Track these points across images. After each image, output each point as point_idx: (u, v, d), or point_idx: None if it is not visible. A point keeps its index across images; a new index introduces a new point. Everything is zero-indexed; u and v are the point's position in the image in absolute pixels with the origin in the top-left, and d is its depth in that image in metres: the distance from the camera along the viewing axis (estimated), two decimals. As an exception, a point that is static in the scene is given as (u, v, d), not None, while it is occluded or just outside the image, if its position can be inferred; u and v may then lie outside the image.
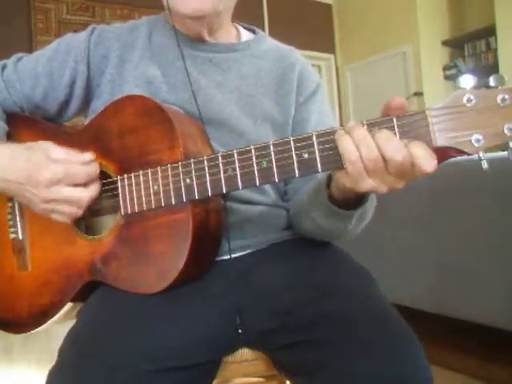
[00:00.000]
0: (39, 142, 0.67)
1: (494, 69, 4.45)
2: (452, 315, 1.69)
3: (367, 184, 0.50)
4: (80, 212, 0.66)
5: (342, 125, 0.51)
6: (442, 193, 1.68)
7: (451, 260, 1.68)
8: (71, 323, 0.68)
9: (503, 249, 1.51)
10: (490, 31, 4.54)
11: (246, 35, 0.86)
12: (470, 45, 4.90)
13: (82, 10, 3.81)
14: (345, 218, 0.64)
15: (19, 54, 0.82)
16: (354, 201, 0.61)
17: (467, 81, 0.48)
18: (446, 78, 4.93)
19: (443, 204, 1.69)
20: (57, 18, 3.70)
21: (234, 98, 0.78)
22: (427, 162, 0.47)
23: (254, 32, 0.88)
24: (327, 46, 5.42)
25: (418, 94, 4.68)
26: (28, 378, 1.77)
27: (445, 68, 4.96)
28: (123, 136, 0.68)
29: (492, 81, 0.47)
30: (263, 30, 0.90)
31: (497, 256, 1.53)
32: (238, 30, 0.86)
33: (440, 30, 4.93)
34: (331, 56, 5.49)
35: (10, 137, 0.77)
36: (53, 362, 0.61)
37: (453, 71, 4.91)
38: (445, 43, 4.96)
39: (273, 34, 0.90)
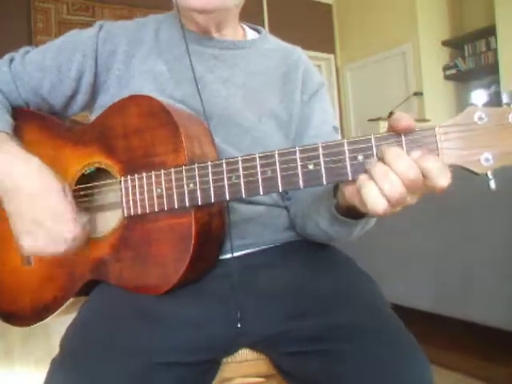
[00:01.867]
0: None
1: (494, 69, 4.43)
2: (452, 315, 1.69)
3: (382, 206, 0.48)
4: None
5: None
6: (443, 193, 1.68)
7: (451, 260, 1.68)
8: (71, 319, 0.68)
9: (503, 249, 1.51)
10: (490, 31, 4.55)
11: (251, 34, 0.87)
12: (469, 45, 4.90)
13: (82, 10, 3.82)
14: (351, 226, 0.64)
15: (27, 48, 0.82)
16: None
17: (479, 96, 0.47)
18: (446, 78, 4.93)
19: (443, 204, 1.69)
20: (57, 18, 3.71)
21: (240, 94, 0.78)
22: (442, 175, 0.46)
23: (258, 32, 0.89)
24: (327, 46, 5.43)
25: (418, 93, 4.66)
26: (28, 379, 1.76)
27: (445, 68, 4.97)
28: (128, 136, 0.67)
29: (505, 98, 0.46)
30: (263, 30, 0.90)
31: (497, 256, 1.53)
32: (244, 29, 0.88)
33: (440, 30, 4.93)
34: (331, 56, 5.49)
35: (15, 132, 0.76)
36: (52, 363, 0.61)
37: (453, 71, 4.91)
38: (445, 43, 4.97)
39: (273, 33, 0.90)
